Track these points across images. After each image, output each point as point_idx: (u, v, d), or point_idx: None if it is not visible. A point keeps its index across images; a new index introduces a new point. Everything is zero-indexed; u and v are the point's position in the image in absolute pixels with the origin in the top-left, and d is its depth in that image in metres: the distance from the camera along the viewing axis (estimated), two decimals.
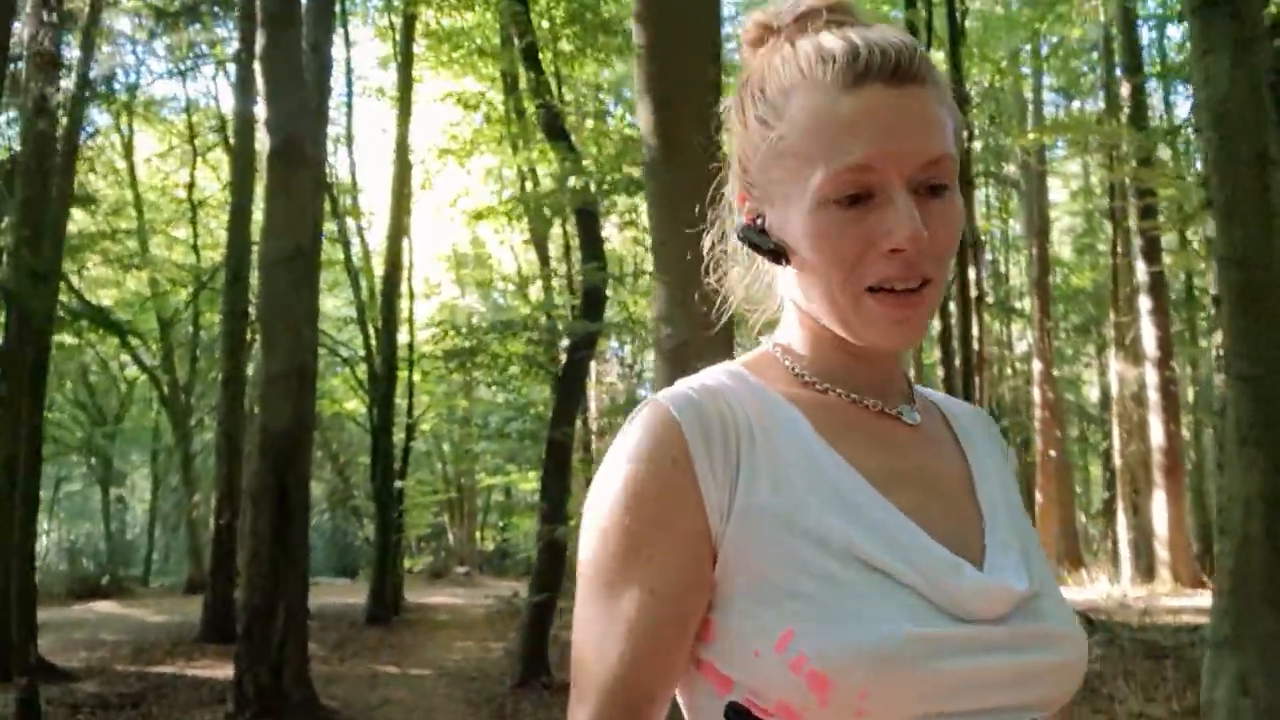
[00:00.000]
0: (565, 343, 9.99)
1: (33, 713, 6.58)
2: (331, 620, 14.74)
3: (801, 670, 0.72)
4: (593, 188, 8.78)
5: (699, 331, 3.02)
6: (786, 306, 0.90)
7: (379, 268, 15.86)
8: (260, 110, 8.21)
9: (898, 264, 0.78)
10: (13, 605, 8.74)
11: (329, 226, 13.48)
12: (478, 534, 27.88)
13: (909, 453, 0.86)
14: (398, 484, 15.28)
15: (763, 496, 0.78)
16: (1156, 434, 15.02)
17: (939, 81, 0.80)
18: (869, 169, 0.76)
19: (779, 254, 0.84)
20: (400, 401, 16.03)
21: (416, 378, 16.39)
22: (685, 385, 0.82)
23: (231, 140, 13.93)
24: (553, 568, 9.21)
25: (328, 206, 12.32)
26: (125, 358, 21.15)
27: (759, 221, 0.85)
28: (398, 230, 15.27)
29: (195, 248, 19.22)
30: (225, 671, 8.14)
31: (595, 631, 0.78)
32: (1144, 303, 15.31)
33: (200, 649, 10.43)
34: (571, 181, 8.50)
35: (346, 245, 16.26)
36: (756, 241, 0.85)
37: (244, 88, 12.54)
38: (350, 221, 16.81)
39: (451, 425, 23.04)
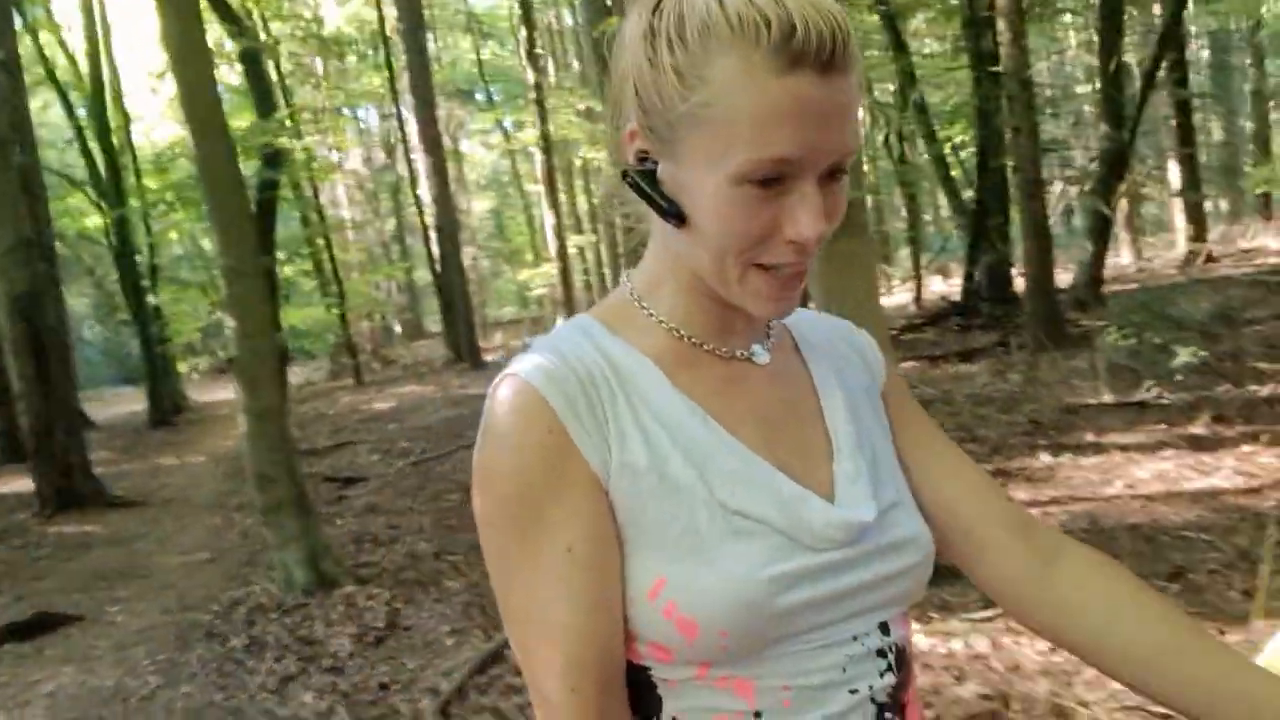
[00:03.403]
0: None
1: None
2: (119, 428, 16.49)
3: (672, 616, 0.77)
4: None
5: (249, 261, 5.18)
6: (654, 249, 0.89)
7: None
8: None
9: (792, 251, 0.79)
10: None
11: (24, 45, 13.30)
12: None
13: (759, 392, 0.89)
14: (151, 300, 16.28)
15: (634, 452, 0.80)
16: None
17: (859, 66, 0.77)
18: (791, 162, 0.75)
19: (673, 213, 0.81)
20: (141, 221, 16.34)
21: (154, 184, 16.49)
22: (540, 355, 0.82)
23: None
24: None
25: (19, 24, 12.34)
26: None
27: (648, 164, 0.82)
28: (94, 31, 14.96)
29: None
30: (23, 485, 9.85)
31: (528, 609, 0.79)
32: None
33: None
34: (230, 45, 9.81)
35: (47, 64, 15.80)
36: (649, 191, 0.82)
37: None
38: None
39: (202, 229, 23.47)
